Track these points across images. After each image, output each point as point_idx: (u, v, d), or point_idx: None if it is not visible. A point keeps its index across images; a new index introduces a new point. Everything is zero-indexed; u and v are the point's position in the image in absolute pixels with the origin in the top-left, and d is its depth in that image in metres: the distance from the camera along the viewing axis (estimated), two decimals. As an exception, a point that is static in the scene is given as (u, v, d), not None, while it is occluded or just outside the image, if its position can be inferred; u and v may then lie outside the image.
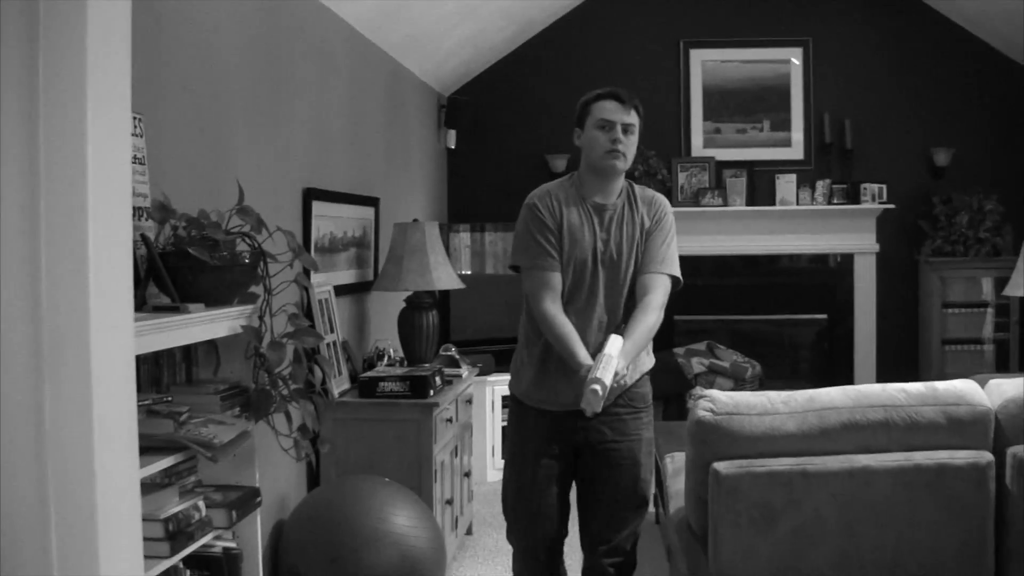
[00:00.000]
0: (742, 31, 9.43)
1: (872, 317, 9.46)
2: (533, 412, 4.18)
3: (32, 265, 2.09)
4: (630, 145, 4.08)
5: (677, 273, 4.18)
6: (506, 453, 4.43)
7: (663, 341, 9.22)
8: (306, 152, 5.52)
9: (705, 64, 9.47)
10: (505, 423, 5.67)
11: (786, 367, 9.51)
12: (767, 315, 9.70)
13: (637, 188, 4.27)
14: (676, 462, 5.10)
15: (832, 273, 9.64)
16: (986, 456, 3.81)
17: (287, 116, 5.24)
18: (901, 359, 9.23)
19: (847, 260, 9.52)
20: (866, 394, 3.89)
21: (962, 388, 3.91)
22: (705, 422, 3.82)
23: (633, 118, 4.07)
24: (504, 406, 7.69)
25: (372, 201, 6.65)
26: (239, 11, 4.65)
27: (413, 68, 7.82)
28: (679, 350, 8.94)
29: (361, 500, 4.88)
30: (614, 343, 3.76)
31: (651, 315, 4.03)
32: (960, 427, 3.83)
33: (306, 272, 5.10)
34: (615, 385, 3.71)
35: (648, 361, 4.33)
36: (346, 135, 6.24)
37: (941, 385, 3.93)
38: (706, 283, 9.66)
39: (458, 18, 7.56)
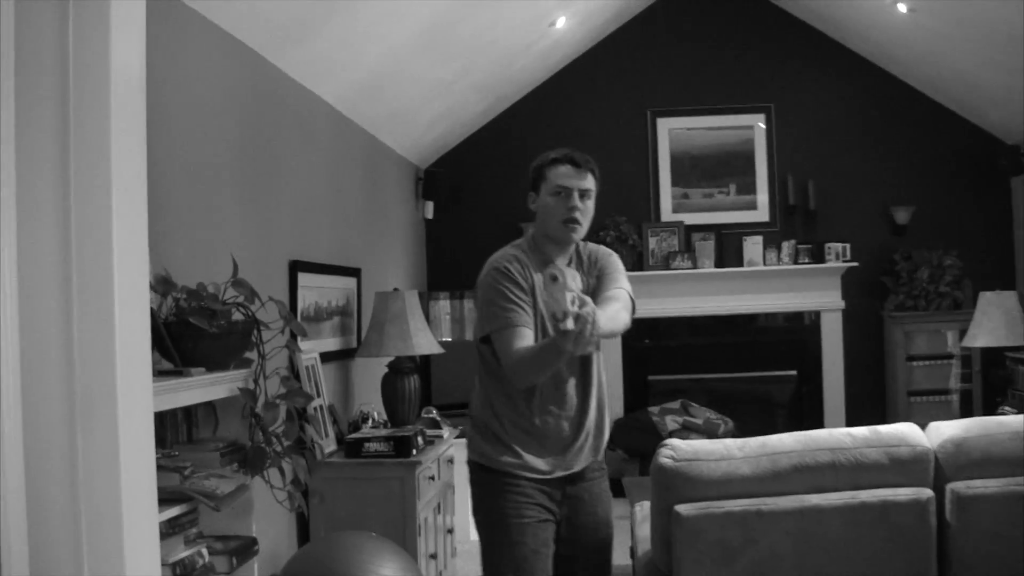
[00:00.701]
0: (707, 99, 9.85)
1: (840, 371, 9.81)
2: (522, 482, 3.92)
3: (66, 336, 2.42)
4: (587, 212, 3.93)
5: (631, 293, 4.03)
6: (487, 529, 4.03)
7: (638, 400, 9.61)
8: (291, 226, 5.85)
9: (672, 132, 9.88)
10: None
11: (759, 422, 9.75)
12: (739, 373, 10.05)
13: (581, 248, 4.09)
14: (644, 510, 5.39)
15: (800, 330, 9.98)
16: (927, 492, 4.12)
17: (273, 192, 5.56)
18: (869, 411, 9.54)
19: (814, 317, 9.87)
20: (814, 438, 4.21)
21: (903, 430, 4.24)
22: (667, 468, 4.13)
23: (590, 182, 3.93)
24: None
25: (354, 271, 6.97)
26: (229, 96, 4.99)
27: (391, 143, 8.17)
28: (654, 409, 9.26)
29: (349, 554, 5.14)
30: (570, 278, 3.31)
31: (616, 303, 3.84)
32: (902, 466, 4.14)
33: (294, 338, 5.44)
34: (581, 316, 3.24)
35: (610, 418, 4.20)
36: (329, 209, 6.58)
37: (884, 428, 4.25)
38: (679, 343, 10.05)
39: (433, 95, 7.93)
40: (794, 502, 4.08)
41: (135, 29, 2.66)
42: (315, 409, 5.92)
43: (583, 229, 3.95)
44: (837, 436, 4.22)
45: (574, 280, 3.27)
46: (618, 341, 9.69)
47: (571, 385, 3.98)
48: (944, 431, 4.30)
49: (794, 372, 9.96)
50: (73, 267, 2.42)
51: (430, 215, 9.53)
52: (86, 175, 2.47)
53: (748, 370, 10.05)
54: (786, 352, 10.01)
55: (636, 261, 9.62)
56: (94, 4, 2.55)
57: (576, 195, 3.89)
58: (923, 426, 4.40)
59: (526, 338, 3.78)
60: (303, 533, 5.85)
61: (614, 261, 4.10)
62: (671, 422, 9.02)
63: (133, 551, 2.46)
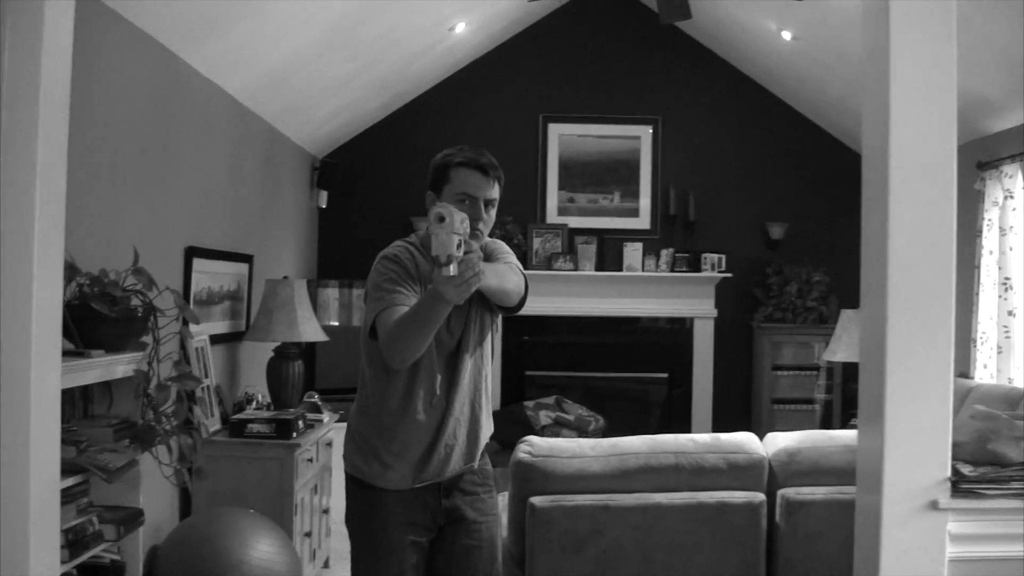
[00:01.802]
0: (598, 108, 10.23)
1: (710, 376, 10.25)
2: (392, 495, 3.74)
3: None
4: (490, 221, 3.69)
5: (523, 271, 3.80)
6: (356, 544, 3.87)
7: (514, 394, 9.98)
8: (189, 213, 6.12)
9: (562, 137, 10.25)
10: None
11: (629, 421, 10.13)
12: (614, 372, 10.45)
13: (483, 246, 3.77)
14: (503, 499, 5.78)
15: (674, 335, 10.41)
16: (759, 496, 4.55)
17: (173, 181, 5.84)
18: (735, 416, 9.97)
19: (688, 323, 10.30)
20: (660, 442, 4.63)
21: (741, 439, 4.66)
22: (524, 462, 4.51)
23: (495, 191, 3.68)
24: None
25: (247, 258, 7.26)
26: (135, 89, 5.26)
27: (289, 134, 8.45)
28: (529, 403, 9.63)
29: (226, 529, 5.45)
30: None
31: (505, 267, 3.66)
32: (738, 472, 4.56)
33: (185, 323, 5.75)
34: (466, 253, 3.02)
35: (489, 426, 3.92)
36: (226, 197, 6.85)
37: (724, 436, 4.68)
38: (558, 341, 10.44)
39: (333, 90, 8.22)
40: (639, 499, 4.48)
41: (63, 39, 2.95)
42: (202, 389, 6.19)
43: (484, 236, 3.69)
44: (681, 441, 4.64)
45: (462, 224, 2.99)
46: (497, 335, 10.05)
47: (437, 382, 3.70)
48: (779, 441, 4.73)
49: (666, 375, 10.37)
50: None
51: (324, 204, 9.79)
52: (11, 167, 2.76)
53: (623, 371, 10.47)
54: (660, 355, 10.43)
55: (520, 260, 9.89)
56: (27, 20, 2.84)
57: (481, 205, 3.62)
58: (762, 436, 4.83)
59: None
60: (185, 507, 6.13)
61: (502, 246, 3.85)
62: (544, 417, 9.38)
63: (38, 517, 2.76)
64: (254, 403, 6.73)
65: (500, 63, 10.21)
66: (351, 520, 3.89)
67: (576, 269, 10.01)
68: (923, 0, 3.17)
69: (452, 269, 2.95)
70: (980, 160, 7.89)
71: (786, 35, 8.47)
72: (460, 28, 8.52)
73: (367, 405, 3.80)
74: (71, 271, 4.03)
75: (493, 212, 3.70)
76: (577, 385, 10.32)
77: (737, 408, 10.18)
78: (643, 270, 10.06)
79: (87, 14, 4.63)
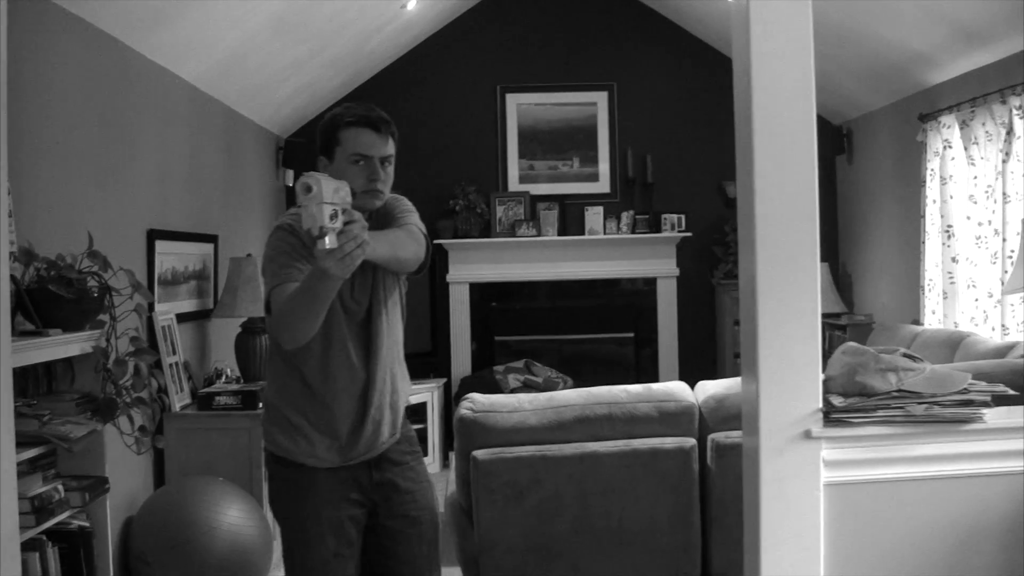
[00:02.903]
0: (554, 77, 10.45)
1: (675, 334, 10.51)
2: (321, 473, 3.59)
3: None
4: (389, 179, 3.53)
5: (424, 230, 3.63)
6: (285, 527, 3.68)
7: (485, 360, 10.26)
8: (150, 197, 6.37)
9: (520, 107, 10.48)
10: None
11: (599, 381, 10.27)
12: (582, 335, 10.72)
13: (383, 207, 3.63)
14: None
15: (638, 295, 10.67)
16: (690, 441, 4.81)
17: (131, 166, 6.08)
18: (701, 371, 10.18)
19: (651, 283, 10.56)
20: (595, 394, 4.90)
21: (672, 388, 4.94)
22: (466, 419, 4.78)
23: (391, 147, 3.52)
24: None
25: (211, 238, 7.51)
26: (88, 79, 5.51)
27: (251, 115, 8.67)
28: (499, 368, 9.89)
29: (197, 496, 5.73)
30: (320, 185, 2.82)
31: (400, 232, 3.49)
32: (669, 419, 4.83)
33: (150, 307, 6.05)
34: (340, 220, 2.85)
35: (407, 389, 3.83)
36: (187, 179, 7.10)
37: (656, 386, 4.95)
38: (525, 307, 10.72)
39: (290, 71, 8.45)
40: (575, 448, 4.75)
41: None
42: (171, 365, 6.46)
43: (385, 196, 3.54)
44: (614, 392, 4.91)
45: (336, 193, 2.82)
46: (465, 302, 10.36)
47: (353, 353, 3.56)
48: (709, 388, 5.00)
49: (632, 334, 10.64)
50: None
51: (290, 182, 10.01)
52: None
53: (591, 332, 10.72)
54: (626, 315, 10.68)
55: (484, 228, 10.24)
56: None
57: (377, 163, 3.46)
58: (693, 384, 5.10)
59: None
60: (160, 480, 6.41)
61: (402, 203, 3.65)
62: (513, 380, 9.64)
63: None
64: (223, 377, 7.00)
65: (455, 37, 10.43)
66: (278, 502, 3.69)
67: (539, 235, 10.24)
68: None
69: (328, 241, 2.79)
70: (921, 112, 8.14)
71: (731, -1, 8.69)
72: (412, 5, 8.73)
73: (284, 381, 3.60)
74: (28, 256, 4.30)
75: (391, 169, 3.54)
76: (547, 349, 10.57)
77: (702, 363, 10.42)
78: (605, 233, 10.28)
79: (36, 12, 4.90)
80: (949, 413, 3.25)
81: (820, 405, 3.24)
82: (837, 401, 3.27)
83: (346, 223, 2.84)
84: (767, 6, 3.29)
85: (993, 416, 3.33)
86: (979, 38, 6.93)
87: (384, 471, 3.68)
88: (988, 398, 3.30)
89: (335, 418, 3.56)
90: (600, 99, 10.50)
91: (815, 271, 3.25)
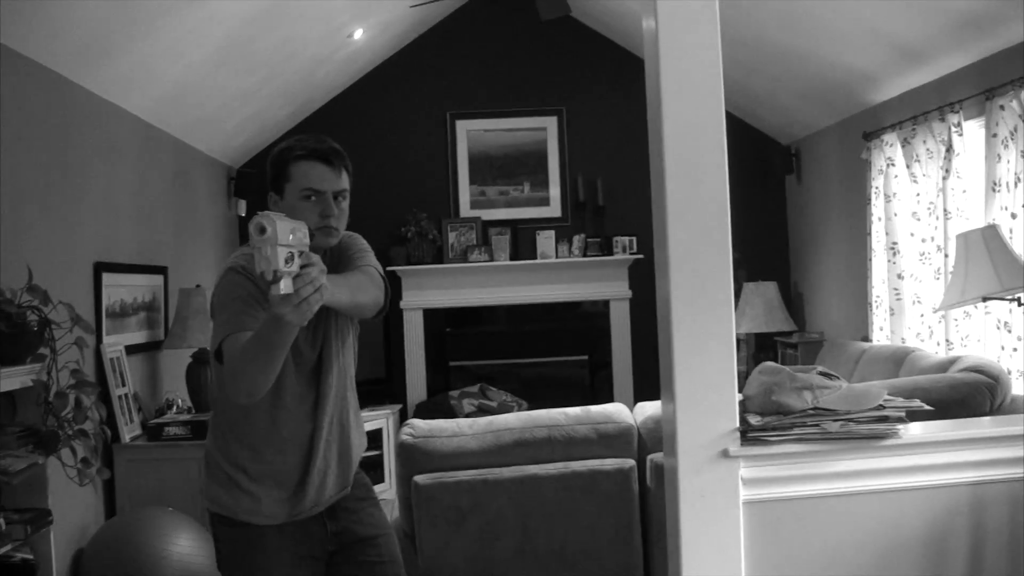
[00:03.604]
0: (503, 103, 10.54)
1: (629, 355, 10.57)
2: (270, 531, 3.36)
3: None
4: (343, 215, 3.34)
5: (381, 270, 3.45)
6: None
7: (440, 385, 10.31)
8: (96, 229, 6.39)
9: (470, 133, 10.55)
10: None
11: (555, 403, 10.33)
12: (536, 358, 10.78)
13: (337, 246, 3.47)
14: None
15: (592, 317, 10.73)
16: (629, 462, 4.88)
17: (77, 200, 6.10)
18: (655, 392, 10.13)
19: (604, 306, 10.64)
20: (534, 417, 4.97)
21: (610, 410, 5.01)
22: (406, 444, 4.84)
23: (344, 181, 3.33)
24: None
25: (161, 269, 7.54)
26: (30, 115, 5.53)
27: (201, 146, 8.71)
28: (454, 393, 9.93)
29: (147, 526, 5.75)
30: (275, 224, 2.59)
31: (361, 275, 3.32)
32: (608, 440, 4.90)
33: (98, 338, 6.10)
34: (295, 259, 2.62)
35: (362, 442, 3.63)
36: (135, 211, 7.13)
37: (594, 408, 5.02)
38: (479, 331, 10.78)
39: (238, 102, 8.50)
40: (515, 472, 4.81)
41: None
42: (120, 397, 6.48)
43: (339, 233, 3.36)
44: (553, 415, 4.98)
45: (293, 234, 2.60)
46: (419, 328, 10.41)
47: (301, 402, 3.38)
48: (647, 410, 5.08)
49: (586, 357, 10.71)
50: None
51: (243, 212, 10.05)
52: None
53: (545, 356, 10.79)
54: (580, 338, 10.75)
55: (436, 255, 10.30)
56: None
57: (330, 198, 3.28)
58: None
59: None
60: (111, 511, 6.42)
61: (357, 242, 3.51)
62: (468, 405, 9.68)
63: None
64: (174, 408, 7.02)
65: (405, 65, 10.49)
66: (226, 565, 3.43)
67: (492, 260, 10.30)
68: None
69: (284, 286, 2.58)
70: (865, 131, 8.25)
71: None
72: (358, 35, 8.80)
73: (226, 434, 3.39)
74: (-34, 291, 4.33)
75: (345, 204, 3.35)
76: (502, 373, 10.62)
77: (657, 383, 10.40)
78: (557, 257, 10.35)
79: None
80: (865, 429, 3.33)
81: (737, 424, 3.31)
82: (754, 420, 3.34)
83: (303, 266, 2.62)
84: (676, 38, 3.34)
85: (909, 431, 3.41)
86: (918, 57, 7.05)
87: (339, 520, 3.48)
88: (903, 414, 3.37)
89: (279, 471, 3.34)
90: (550, 124, 10.59)
91: (729, 293, 3.32)
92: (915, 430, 3.45)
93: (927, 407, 3.45)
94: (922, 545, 3.39)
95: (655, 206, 3.46)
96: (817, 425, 3.33)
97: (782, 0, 7.28)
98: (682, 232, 3.31)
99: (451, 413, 9.52)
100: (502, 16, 10.43)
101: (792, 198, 10.59)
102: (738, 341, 10.07)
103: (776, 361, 9.64)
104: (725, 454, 3.27)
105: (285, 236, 2.56)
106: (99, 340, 6.34)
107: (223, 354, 3.04)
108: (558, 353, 10.79)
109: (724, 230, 3.31)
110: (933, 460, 3.38)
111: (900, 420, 3.36)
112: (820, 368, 3.50)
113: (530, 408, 9.65)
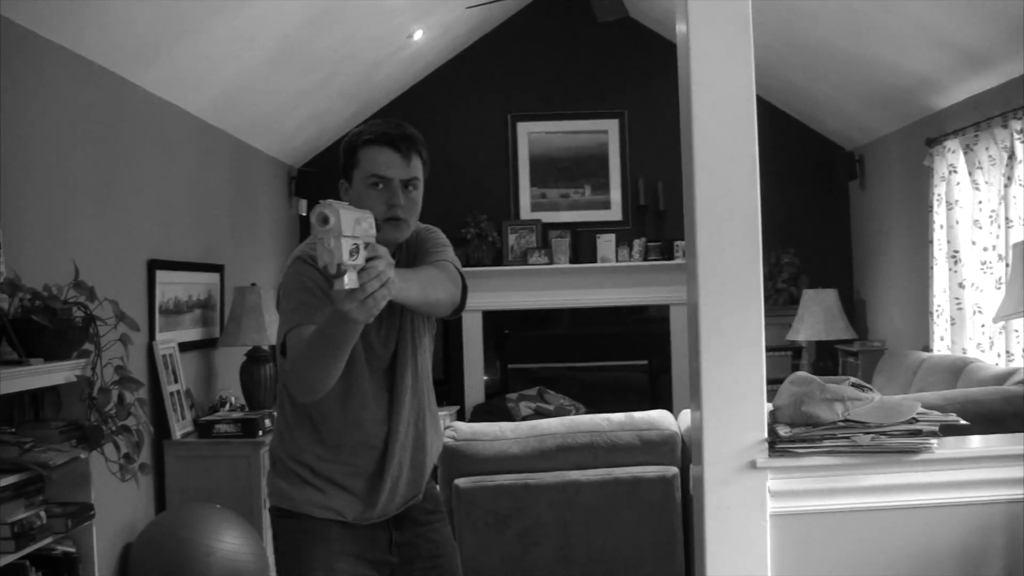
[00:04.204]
0: (565, 105, 10.52)
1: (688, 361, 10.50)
2: (334, 526, 3.20)
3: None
4: (412, 206, 3.13)
5: (460, 269, 3.24)
6: None
7: (499, 387, 10.31)
8: (151, 228, 6.44)
9: (531, 135, 10.54)
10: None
11: (613, 408, 10.34)
12: (596, 362, 10.75)
13: (412, 237, 3.28)
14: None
15: (652, 322, 10.68)
16: (672, 470, 4.85)
17: (131, 197, 6.15)
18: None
19: (664, 310, 10.58)
20: (576, 422, 4.94)
21: (655, 416, 4.97)
22: (448, 447, 4.83)
23: (415, 168, 3.13)
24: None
25: (217, 268, 7.59)
26: (84, 112, 5.59)
27: (260, 146, 8.76)
28: (512, 395, 9.94)
29: (195, 522, 5.78)
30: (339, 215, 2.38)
31: (434, 270, 3.11)
32: (651, 447, 4.87)
33: (151, 331, 6.15)
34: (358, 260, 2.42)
35: (437, 445, 3.45)
36: (191, 210, 7.18)
37: (638, 414, 4.98)
38: (538, 335, 10.77)
39: (297, 102, 8.54)
40: (557, 477, 4.79)
41: None
42: (172, 394, 6.53)
43: (409, 226, 3.15)
44: (596, 421, 4.95)
45: (358, 224, 2.42)
46: (478, 329, 10.41)
47: (375, 403, 3.20)
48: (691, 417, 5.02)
49: (645, 361, 10.66)
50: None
51: (304, 212, 10.10)
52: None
53: (605, 360, 10.76)
54: (639, 343, 10.70)
55: (496, 257, 10.30)
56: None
57: (398, 187, 3.09)
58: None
59: None
60: (160, 507, 6.47)
61: (435, 235, 3.32)
62: (525, 408, 9.67)
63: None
64: (227, 405, 7.06)
65: (466, 66, 10.51)
66: (284, 559, 3.26)
67: (551, 263, 10.28)
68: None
69: (348, 281, 2.40)
70: (928, 137, 8.15)
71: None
72: (419, 35, 8.81)
73: (294, 433, 3.24)
74: (12, 287, 4.37)
75: (416, 194, 3.14)
76: (561, 376, 10.60)
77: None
78: (617, 260, 10.31)
79: (30, 49, 4.99)
80: (896, 443, 3.27)
81: (765, 435, 3.27)
82: (783, 431, 3.29)
83: (369, 259, 2.43)
84: (707, 43, 3.31)
85: (942, 446, 3.35)
86: (981, 62, 6.95)
87: (405, 531, 3.31)
88: (936, 428, 3.31)
89: (351, 475, 3.19)
90: (611, 127, 10.55)
91: (758, 302, 3.28)
92: (949, 445, 3.39)
93: (962, 422, 3.39)
94: (956, 564, 3.33)
95: (686, 213, 3.43)
96: (848, 438, 3.28)
97: (844, 4, 7.21)
98: (711, 240, 3.27)
99: (508, 415, 9.51)
100: (562, 18, 10.40)
101: (856, 204, 10.48)
102: (799, 349, 10.02)
103: (837, 370, 9.61)
104: (753, 465, 3.23)
105: (349, 227, 2.38)
106: (152, 337, 6.38)
107: (287, 348, 2.93)
108: (618, 357, 10.76)
109: (754, 239, 3.27)
110: (968, 476, 3.32)
111: (933, 434, 3.31)
112: (853, 379, 3.45)
113: (588, 412, 9.64)
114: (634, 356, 10.73)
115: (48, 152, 5.19)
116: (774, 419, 3.39)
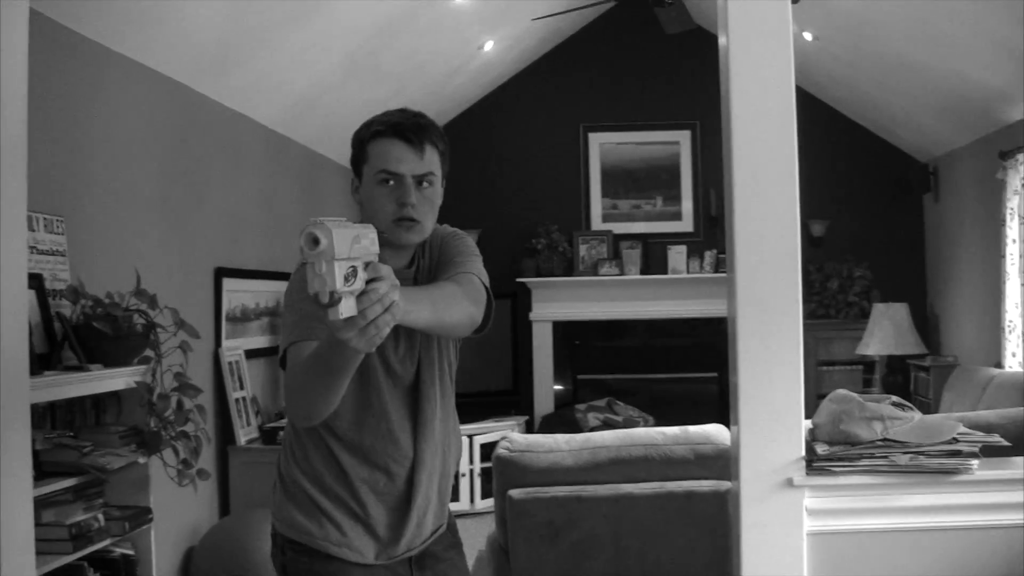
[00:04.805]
0: (636, 116, 10.54)
1: (758, 374, 10.46)
2: (356, 570, 2.87)
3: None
4: (427, 204, 2.78)
5: (485, 281, 2.84)
6: None
7: (568, 397, 10.32)
8: (218, 236, 6.54)
9: (603, 146, 10.58)
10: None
11: (682, 420, 10.33)
12: (665, 374, 10.75)
13: (434, 238, 2.95)
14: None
15: (722, 334, 10.55)
16: (726, 485, 4.81)
17: (199, 206, 6.25)
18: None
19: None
20: (631, 435, 4.93)
21: (709, 430, 4.95)
22: (502, 458, 4.85)
23: (430, 162, 2.78)
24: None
25: (285, 276, 7.63)
26: (153, 123, 5.70)
27: (331, 155, 8.84)
28: (580, 406, 9.94)
29: (256, 528, 5.84)
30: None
31: (451, 287, 2.71)
32: (705, 461, 4.84)
33: (217, 338, 6.24)
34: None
35: (456, 463, 3.11)
36: (260, 219, 7.27)
37: (693, 428, 4.96)
38: (608, 345, 10.78)
39: (368, 112, 8.52)
40: (610, 490, 4.79)
41: (19, 41, 3.29)
42: (237, 400, 6.62)
43: (424, 228, 2.79)
44: (651, 434, 4.94)
45: (357, 242, 2.08)
46: (548, 339, 10.43)
47: (397, 427, 2.88)
48: (747, 432, 5.01)
49: (715, 374, 10.63)
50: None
51: (375, 220, 10.16)
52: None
53: (674, 371, 10.75)
54: (709, 355, 10.66)
55: (566, 267, 10.34)
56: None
57: (410, 183, 2.75)
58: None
59: None
60: (225, 510, 6.56)
61: (460, 242, 2.94)
62: (593, 419, 9.68)
63: (9, 509, 3.15)
64: (293, 412, 7.12)
65: (537, 77, 10.57)
66: None
67: (622, 274, 10.31)
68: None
69: (344, 309, 2.06)
70: (1001, 149, 8.06)
71: (807, 35, 8.70)
72: (489, 47, 8.86)
73: (308, 452, 2.88)
74: (75, 294, 4.47)
75: (432, 191, 2.80)
76: (631, 387, 10.62)
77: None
78: (688, 272, 10.31)
79: (100, 61, 5.10)
80: (935, 463, 3.25)
81: (803, 453, 3.26)
82: (822, 449, 3.28)
83: (370, 281, 2.08)
84: (747, 56, 3.31)
85: (983, 467, 3.32)
86: (1054, 75, 6.89)
87: (426, 569, 2.99)
88: (976, 449, 3.28)
89: (372, 505, 2.86)
90: (683, 138, 10.56)
91: (797, 320, 3.27)
92: (990, 466, 3.36)
93: (1005, 442, 3.36)
94: (996, 586, 3.30)
95: (726, 228, 3.43)
96: (886, 457, 3.26)
97: (913, 16, 7.16)
98: (750, 257, 3.27)
99: (576, 426, 9.52)
100: (632, 30, 10.39)
101: (930, 217, 10.39)
102: (872, 363, 9.93)
103: (908, 384, 9.53)
104: (790, 483, 3.22)
105: (345, 247, 2.03)
106: (218, 344, 6.47)
107: (286, 365, 2.65)
108: (688, 369, 10.75)
109: (793, 256, 3.27)
110: (1008, 498, 3.28)
111: (973, 455, 3.28)
112: (893, 398, 3.43)
113: (656, 424, 9.62)
114: (705, 368, 10.70)
115: (115, 162, 5.29)
116: (813, 437, 3.38)
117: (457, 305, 2.60)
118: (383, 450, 2.83)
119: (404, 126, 2.75)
